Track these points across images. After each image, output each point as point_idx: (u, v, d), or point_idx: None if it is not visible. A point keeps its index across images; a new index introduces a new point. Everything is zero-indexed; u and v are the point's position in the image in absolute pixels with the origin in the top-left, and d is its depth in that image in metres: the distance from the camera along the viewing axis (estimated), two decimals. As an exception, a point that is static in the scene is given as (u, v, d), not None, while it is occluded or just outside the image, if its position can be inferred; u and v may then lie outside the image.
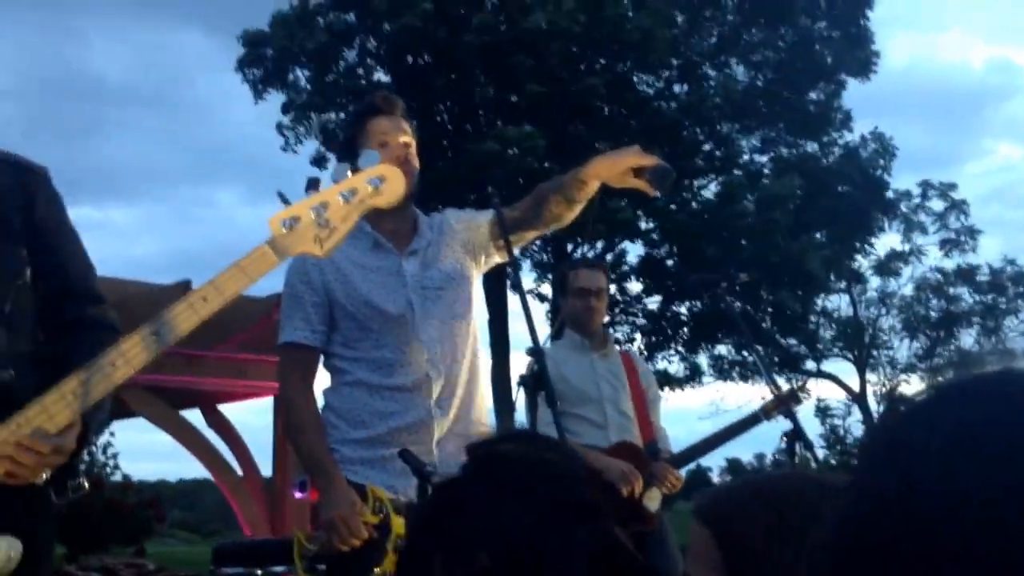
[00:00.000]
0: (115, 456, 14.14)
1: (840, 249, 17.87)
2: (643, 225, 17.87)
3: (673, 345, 19.22)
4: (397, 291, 2.53)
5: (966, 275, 25.07)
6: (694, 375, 19.40)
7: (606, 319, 4.15)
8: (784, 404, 3.39)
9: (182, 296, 1.77)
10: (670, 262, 18.22)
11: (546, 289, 18.29)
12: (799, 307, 17.93)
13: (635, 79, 17.46)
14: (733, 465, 61.59)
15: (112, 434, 14.03)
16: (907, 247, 24.36)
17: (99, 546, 11.21)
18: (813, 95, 18.25)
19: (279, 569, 5.72)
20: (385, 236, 2.58)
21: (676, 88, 17.81)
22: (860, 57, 17.87)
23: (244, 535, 12.40)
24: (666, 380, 18.09)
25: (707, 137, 17.84)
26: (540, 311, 17.65)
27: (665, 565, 3.55)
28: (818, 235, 17.77)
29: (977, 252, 24.61)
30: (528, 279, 18.33)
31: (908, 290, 25.64)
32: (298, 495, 11.70)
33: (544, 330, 15.81)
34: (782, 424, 3.43)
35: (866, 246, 20.20)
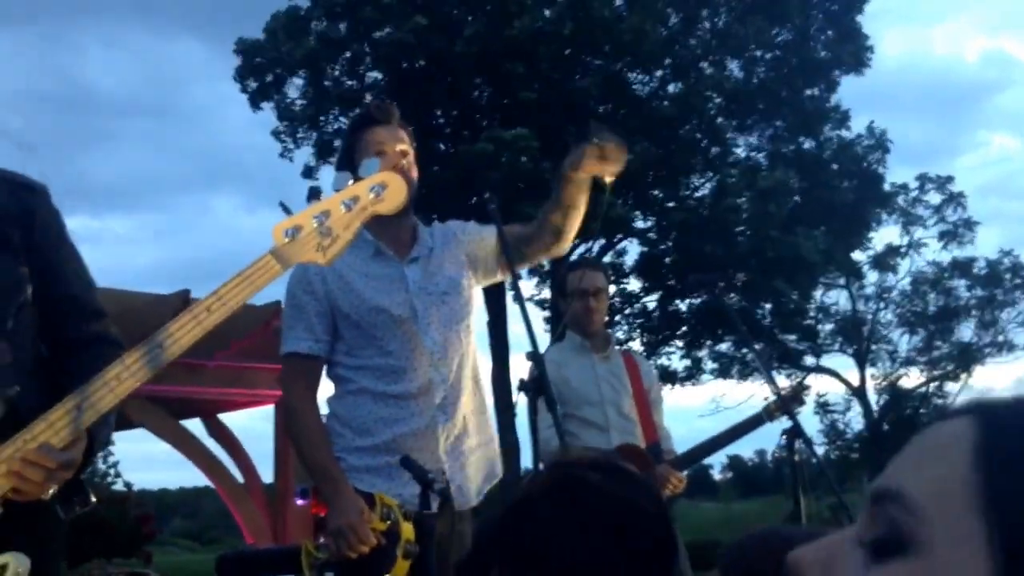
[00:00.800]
0: (115, 465, 14.13)
1: (836, 244, 17.87)
2: (640, 224, 17.87)
3: (673, 342, 19.23)
4: (401, 296, 2.54)
5: (963, 268, 25.12)
6: (695, 371, 19.41)
7: (606, 318, 4.14)
8: (787, 405, 3.40)
9: (181, 305, 1.77)
10: (668, 259, 18.22)
11: (546, 294, 18.32)
12: (796, 296, 17.91)
13: (629, 78, 17.46)
14: (734, 462, 61.75)
15: (112, 443, 14.03)
16: (906, 240, 24.45)
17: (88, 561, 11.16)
18: (809, 92, 18.26)
19: (285, 578, 5.69)
20: (386, 244, 2.58)
21: (671, 88, 17.81)
22: (854, 51, 17.88)
23: (246, 542, 12.35)
24: (667, 376, 18.09)
25: (703, 134, 17.83)
26: (539, 317, 17.67)
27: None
28: (816, 232, 17.76)
29: (975, 244, 24.70)
30: (528, 285, 18.35)
31: (906, 283, 25.70)
32: (299, 502, 11.67)
33: (543, 335, 15.83)
34: (782, 421, 3.44)
35: (864, 241, 20.24)
